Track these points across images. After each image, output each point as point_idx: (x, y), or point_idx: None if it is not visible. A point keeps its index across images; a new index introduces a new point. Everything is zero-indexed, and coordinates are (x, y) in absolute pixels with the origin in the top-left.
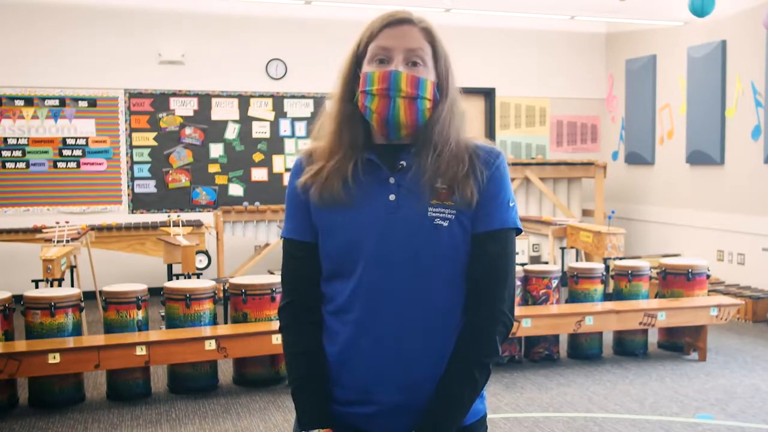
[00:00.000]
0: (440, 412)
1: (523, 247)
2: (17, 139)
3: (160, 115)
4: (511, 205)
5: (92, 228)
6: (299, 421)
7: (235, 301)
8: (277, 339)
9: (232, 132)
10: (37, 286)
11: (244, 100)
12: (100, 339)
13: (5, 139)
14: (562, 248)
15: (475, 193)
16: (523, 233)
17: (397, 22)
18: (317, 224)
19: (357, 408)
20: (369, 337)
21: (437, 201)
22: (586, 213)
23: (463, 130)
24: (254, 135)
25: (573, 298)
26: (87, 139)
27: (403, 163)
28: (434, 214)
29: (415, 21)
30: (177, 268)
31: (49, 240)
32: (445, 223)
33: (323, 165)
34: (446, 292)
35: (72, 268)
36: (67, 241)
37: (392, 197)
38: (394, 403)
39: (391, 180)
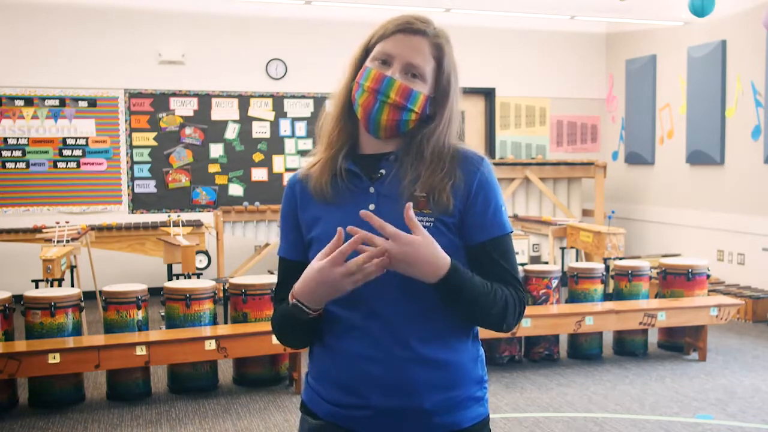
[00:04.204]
0: (466, 273)
1: (523, 247)
2: (17, 139)
3: (160, 115)
4: (503, 209)
5: (92, 228)
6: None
7: (235, 301)
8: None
9: (232, 132)
10: (37, 286)
11: (244, 100)
12: (100, 339)
13: (5, 139)
14: (562, 248)
15: (451, 198)
16: (523, 233)
17: (410, 31)
18: (305, 221)
19: (352, 411)
20: (363, 341)
21: (416, 209)
22: (586, 213)
23: (453, 136)
24: (254, 135)
25: (573, 298)
26: (87, 139)
27: (382, 171)
28: None
29: (429, 35)
30: (177, 268)
31: (49, 240)
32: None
33: (322, 156)
34: (436, 296)
35: (72, 268)
36: (67, 241)
37: (372, 207)
38: (388, 408)
39: (371, 189)
